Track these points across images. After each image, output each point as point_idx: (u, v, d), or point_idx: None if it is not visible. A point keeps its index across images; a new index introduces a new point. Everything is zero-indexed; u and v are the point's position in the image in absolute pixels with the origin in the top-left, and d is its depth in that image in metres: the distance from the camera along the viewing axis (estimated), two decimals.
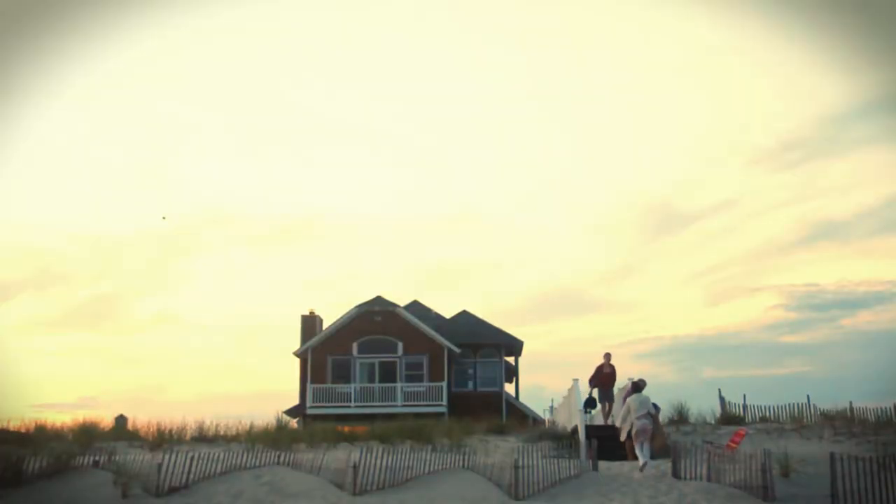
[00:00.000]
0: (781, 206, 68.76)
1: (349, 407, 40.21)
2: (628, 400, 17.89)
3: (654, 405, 18.16)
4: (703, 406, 24.32)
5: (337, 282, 64.34)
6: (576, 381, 22.67)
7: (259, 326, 67.96)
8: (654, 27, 70.84)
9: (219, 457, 17.44)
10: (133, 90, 70.98)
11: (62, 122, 67.53)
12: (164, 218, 70.03)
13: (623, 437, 17.78)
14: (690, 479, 15.75)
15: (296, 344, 43.17)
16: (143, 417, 41.35)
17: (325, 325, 43.38)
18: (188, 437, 22.39)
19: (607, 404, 22.69)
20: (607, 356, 22.60)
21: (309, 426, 28.96)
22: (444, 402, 40.24)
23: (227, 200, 73.42)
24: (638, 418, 17.13)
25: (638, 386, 17.99)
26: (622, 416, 17.96)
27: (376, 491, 16.20)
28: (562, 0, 70.55)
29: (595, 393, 22.61)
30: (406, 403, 39.18)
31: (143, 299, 67.60)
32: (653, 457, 17.22)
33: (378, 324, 42.14)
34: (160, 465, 16.69)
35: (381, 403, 39.81)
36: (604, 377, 22.48)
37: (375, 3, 69.58)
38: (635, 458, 17.48)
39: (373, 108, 73.87)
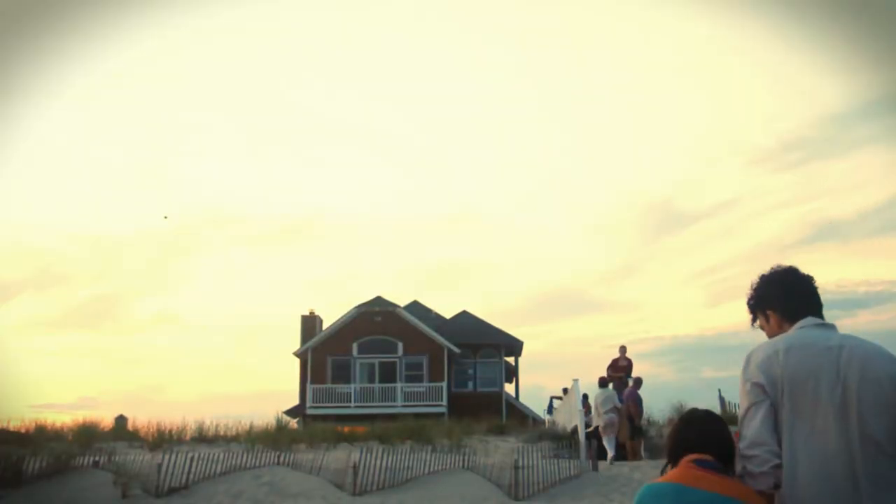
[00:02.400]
0: (781, 206, 68.66)
1: (349, 407, 40.22)
2: (594, 395, 18.42)
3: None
4: (703, 406, 24.37)
5: (337, 282, 64.33)
6: (576, 381, 22.67)
7: (259, 326, 67.92)
8: (653, 27, 70.87)
9: (219, 457, 17.44)
10: (133, 90, 70.99)
11: (62, 122, 67.49)
12: (165, 217, 69.98)
13: (570, 428, 18.28)
14: None
15: (296, 344, 43.19)
16: (143, 417, 41.45)
17: (325, 325, 43.39)
18: (188, 437, 22.39)
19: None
20: (622, 349, 22.54)
21: (309, 426, 28.96)
22: (444, 402, 40.24)
23: (227, 200, 73.36)
24: (605, 413, 17.59)
25: (604, 381, 18.47)
26: (592, 412, 18.55)
27: (376, 491, 16.21)
28: (562, 0, 70.59)
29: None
30: (406, 404, 39.18)
31: (143, 299, 67.47)
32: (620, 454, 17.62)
33: (378, 324, 42.14)
34: (160, 466, 16.69)
35: (381, 404, 39.82)
36: (619, 370, 22.50)
37: (375, 3, 69.61)
38: (636, 459, 17.56)
39: (373, 108, 73.91)
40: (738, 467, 2.89)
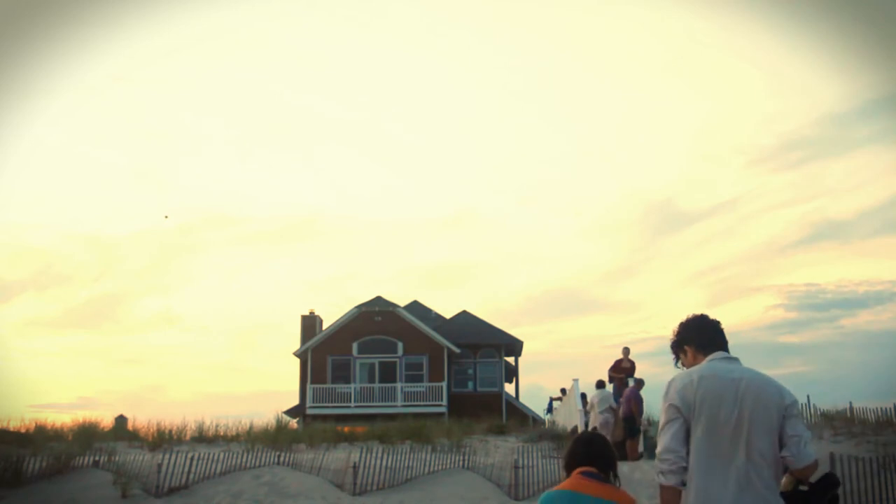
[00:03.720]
0: (781, 206, 68.75)
1: (349, 407, 40.22)
2: (591, 396, 18.59)
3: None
4: None
5: (337, 282, 64.37)
6: (575, 381, 22.67)
7: (259, 326, 67.99)
8: (654, 27, 70.90)
9: (219, 457, 17.44)
10: (133, 91, 71.05)
11: (62, 122, 67.59)
12: (166, 217, 70.16)
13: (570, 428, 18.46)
14: None
15: (296, 344, 43.18)
16: (143, 417, 41.50)
17: (325, 325, 43.37)
18: (188, 437, 22.36)
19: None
20: (626, 350, 22.49)
21: (309, 426, 28.96)
22: (444, 402, 40.24)
23: (228, 200, 73.50)
24: (600, 413, 17.79)
25: (601, 383, 18.62)
26: (585, 411, 18.74)
27: (376, 491, 16.21)
28: (562, 0, 70.61)
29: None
30: (406, 403, 39.19)
31: (143, 299, 67.58)
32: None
33: (378, 324, 42.12)
34: (160, 465, 16.70)
35: (381, 403, 39.82)
36: (621, 371, 22.46)
37: (374, 4, 69.63)
38: (635, 458, 17.56)
39: (373, 109, 73.99)
40: (655, 468, 3.72)
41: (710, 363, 3.90)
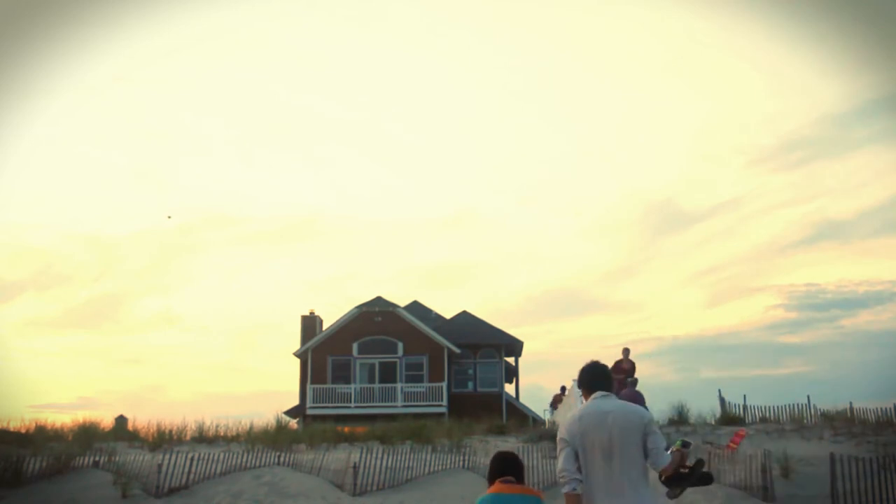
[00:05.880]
0: (781, 206, 68.81)
1: (349, 407, 40.21)
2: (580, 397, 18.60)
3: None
4: (703, 406, 24.41)
5: (337, 282, 64.38)
6: (575, 381, 22.63)
7: (259, 326, 68.00)
8: (655, 27, 70.92)
9: (219, 457, 17.44)
10: (134, 91, 71.10)
11: (62, 122, 67.62)
12: (168, 217, 70.27)
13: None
14: None
15: (296, 344, 43.17)
16: (143, 417, 41.49)
17: (325, 326, 43.35)
18: (188, 437, 22.36)
19: None
20: (626, 351, 22.40)
21: (309, 426, 28.93)
22: (445, 402, 40.23)
23: (228, 200, 73.53)
24: None
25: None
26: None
27: (376, 491, 16.21)
28: (563, 0, 70.63)
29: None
30: (406, 404, 39.18)
31: (143, 299, 67.61)
32: None
33: (378, 324, 42.10)
34: (160, 466, 16.70)
35: (381, 404, 39.81)
36: (621, 372, 22.38)
37: (374, 4, 69.65)
38: None
39: (373, 109, 74.03)
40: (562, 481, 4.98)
41: (591, 402, 5.17)
